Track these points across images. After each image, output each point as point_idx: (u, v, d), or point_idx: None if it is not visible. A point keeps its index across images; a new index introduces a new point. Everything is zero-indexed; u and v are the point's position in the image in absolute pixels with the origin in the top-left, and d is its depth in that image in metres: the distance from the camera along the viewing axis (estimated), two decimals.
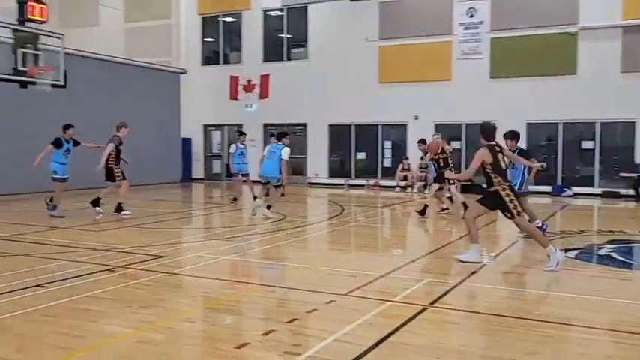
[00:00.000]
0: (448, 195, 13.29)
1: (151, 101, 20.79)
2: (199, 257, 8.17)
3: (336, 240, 10.46)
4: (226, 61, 24.30)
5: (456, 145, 20.63)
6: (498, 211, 7.70)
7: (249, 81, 23.18)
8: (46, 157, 11.85)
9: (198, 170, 24.35)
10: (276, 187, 12.20)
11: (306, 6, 22.26)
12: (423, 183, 19.64)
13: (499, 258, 8.39)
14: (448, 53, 20.02)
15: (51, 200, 12.06)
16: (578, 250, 8.74)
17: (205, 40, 24.58)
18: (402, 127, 21.06)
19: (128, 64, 20.72)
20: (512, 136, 9.62)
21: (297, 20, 22.66)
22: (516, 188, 8.28)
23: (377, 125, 21.43)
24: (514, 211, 7.32)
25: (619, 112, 18.03)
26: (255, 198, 13.18)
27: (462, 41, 19.90)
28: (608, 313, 5.61)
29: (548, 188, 18.28)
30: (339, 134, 22.20)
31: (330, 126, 22.10)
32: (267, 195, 12.65)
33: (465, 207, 11.56)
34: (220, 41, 24.34)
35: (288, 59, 22.96)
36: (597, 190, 18.34)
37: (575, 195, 18.09)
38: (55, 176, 11.90)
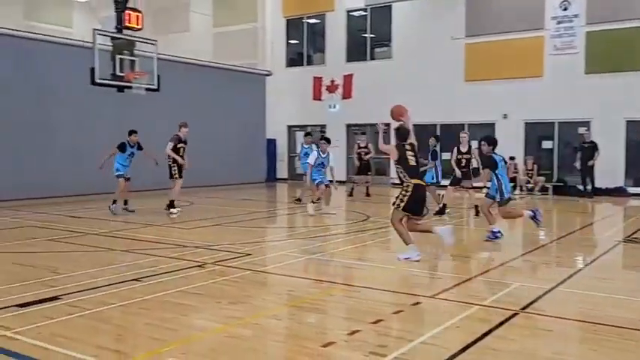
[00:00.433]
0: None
1: (237, 103, 21.36)
2: (284, 256, 8.29)
3: (422, 241, 10.26)
4: (310, 63, 24.57)
5: (547, 144, 19.82)
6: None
7: (332, 81, 23.31)
8: (111, 159, 12.71)
9: (282, 170, 24.78)
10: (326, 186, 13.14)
11: (390, 5, 22.10)
12: (512, 184, 19.00)
13: (594, 264, 7.96)
14: (539, 48, 19.23)
15: (125, 202, 12.99)
16: None
17: (290, 42, 24.97)
18: (490, 127, 20.41)
19: (216, 67, 21.39)
20: (487, 141, 9.61)
21: (380, 20, 22.55)
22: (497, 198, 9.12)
23: (463, 124, 20.89)
24: (396, 201, 7.73)
25: None
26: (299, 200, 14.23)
27: (554, 36, 19.06)
28: None
29: None
30: (420, 134, 21.77)
31: (414, 125, 21.74)
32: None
33: (477, 209, 11.89)
34: (304, 43, 24.64)
35: (372, 59, 22.89)
36: None
37: None
38: (117, 173, 12.68)
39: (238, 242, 9.15)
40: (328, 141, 13.46)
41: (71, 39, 18.50)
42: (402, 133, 8.35)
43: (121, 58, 13.73)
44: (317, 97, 23.72)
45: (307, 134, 15.94)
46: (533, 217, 9.28)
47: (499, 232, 9.32)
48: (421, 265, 7.58)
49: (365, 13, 22.97)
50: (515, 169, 19.31)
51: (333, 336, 4.79)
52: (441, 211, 12.64)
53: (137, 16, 14.24)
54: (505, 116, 19.84)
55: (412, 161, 8.06)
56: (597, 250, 9.10)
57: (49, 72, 15.77)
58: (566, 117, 18.99)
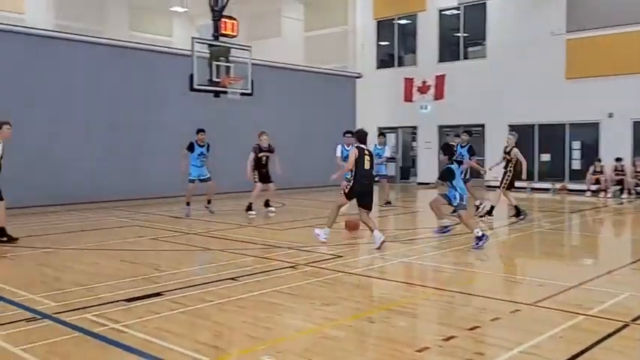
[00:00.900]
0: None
1: (328, 106, 21.53)
2: (376, 259, 8.25)
3: (518, 246, 9.90)
4: (401, 64, 24.34)
5: None
6: None
7: (424, 82, 22.96)
8: (186, 160, 12.78)
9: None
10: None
11: (485, 2, 21.46)
12: (619, 187, 17.89)
13: None
14: None
15: (208, 202, 13.18)
16: None
17: (380, 43, 24.87)
18: (594, 126, 19.33)
19: (307, 71, 21.69)
20: (443, 151, 9.62)
21: (474, 18, 21.95)
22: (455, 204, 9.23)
23: (564, 124, 19.93)
24: (344, 192, 9.41)
25: None
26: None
27: None
28: None
29: None
30: (520, 134, 20.99)
31: (510, 126, 21.01)
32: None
33: (517, 210, 11.83)
34: (395, 44, 24.45)
35: (465, 58, 22.33)
36: None
37: None
38: (189, 178, 12.85)
39: (330, 244, 9.20)
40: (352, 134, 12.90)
41: (171, 47, 19.45)
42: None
43: (217, 65, 14.23)
44: (408, 98, 23.45)
45: (346, 132, 15.75)
46: (479, 238, 8.75)
47: (448, 227, 9.93)
48: (520, 271, 7.30)
49: (458, 12, 22.46)
50: (622, 171, 18.16)
51: (427, 341, 4.70)
52: (518, 214, 12.11)
53: (232, 23, 14.71)
54: (611, 115, 18.70)
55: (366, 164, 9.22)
56: None
57: (151, 79, 16.66)
58: None
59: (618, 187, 17.80)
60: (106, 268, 7.58)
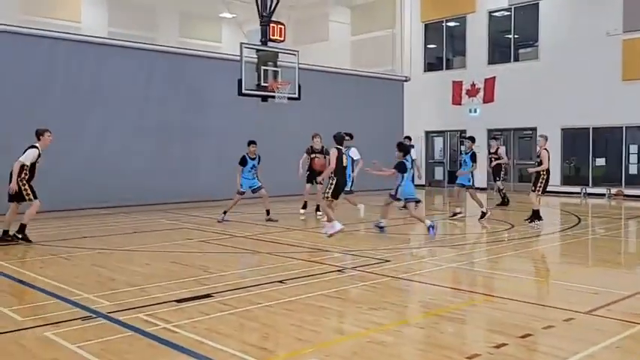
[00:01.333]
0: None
1: (375, 109, 21.46)
2: (424, 264, 8.17)
3: (572, 253, 9.61)
4: (449, 67, 24.06)
5: None
6: None
7: (473, 85, 22.62)
8: (240, 175, 12.41)
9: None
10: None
11: (537, 3, 20.98)
12: None
13: None
14: None
15: (267, 213, 12.69)
16: None
17: (428, 46, 24.65)
18: None
19: (354, 74, 21.68)
20: (398, 148, 10.78)
21: (525, 19, 21.51)
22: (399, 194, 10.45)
23: (620, 127, 19.28)
24: (326, 193, 10.49)
25: None
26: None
27: None
28: None
29: None
30: (573, 138, 20.49)
31: (563, 129, 20.48)
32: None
33: (536, 215, 11.63)
34: (443, 46, 24.19)
35: (516, 60, 21.90)
36: None
37: None
38: (239, 189, 12.42)
39: (376, 248, 9.16)
40: (351, 137, 12.62)
41: (220, 53, 19.78)
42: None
43: (265, 69, 14.39)
44: (457, 101, 23.15)
45: (406, 137, 15.61)
46: (430, 227, 10.21)
47: (384, 226, 10.87)
48: (574, 279, 7.08)
49: (508, 13, 22.05)
50: None
51: (477, 348, 4.61)
52: (534, 217, 11.75)
53: (280, 28, 14.87)
54: None
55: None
56: None
57: (200, 84, 17.00)
58: None
59: None
60: (157, 269, 7.76)
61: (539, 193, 11.74)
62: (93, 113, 15.09)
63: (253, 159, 12.53)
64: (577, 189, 19.70)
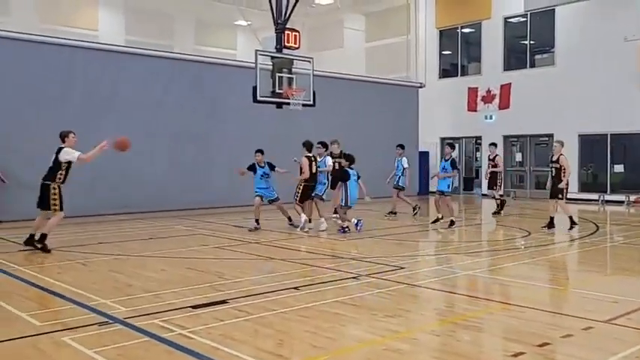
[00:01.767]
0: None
1: (390, 116, 21.43)
2: (440, 271, 8.12)
3: (590, 261, 9.49)
4: (464, 73, 23.98)
5: None
6: None
7: (488, 91, 22.51)
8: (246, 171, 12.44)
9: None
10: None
11: (554, 8, 20.85)
12: None
13: None
14: None
15: (290, 219, 12.64)
16: None
17: (443, 52, 24.59)
18: None
19: (369, 81, 21.67)
20: (345, 158, 11.94)
21: (541, 24, 21.39)
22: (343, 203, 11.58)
23: (639, 134, 19.05)
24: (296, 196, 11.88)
25: None
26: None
27: None
28: None
29: None
30: (591, 144, 20.29)
31: (581, 136, 20.29)
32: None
33: (572, 221, 11.74)
34: (458, 53, 24.11)
35: (532, 66, 21.76)
36: None
37: None
38: (255, 192, 12.37)
39: (391, 255, 9.12)
40: (325, 147, 12.89)
41: (235, 60, 19.90)
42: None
43: (280, 76, 14.44)
44: (472, 108, 23.04)
45: (399, 146, 15.65)
46: (356, 224, 11.66)
47: (347, 227, 11.66)
48: (592, 287, 6.99)
49: (524, 19, 21.94)
50: None
51: (495, 356, 4.57)
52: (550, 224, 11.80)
53: (295, 35, 14.93)
54: None
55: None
56: None
57: (216, 91, 17.10)
58: None
59: None
60: (172, 275, 7.79)
61: (565, 198, 11.93)
62: (110, 120, 15.22)
63: (262, 167, 12.41)
64: (595, 196, 19.48)
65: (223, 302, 6.10)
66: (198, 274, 7.73)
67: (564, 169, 11.85)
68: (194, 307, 5.91)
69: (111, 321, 5.41)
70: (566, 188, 11.97)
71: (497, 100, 22.24)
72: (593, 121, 19.63)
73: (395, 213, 14.98)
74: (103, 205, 14.75)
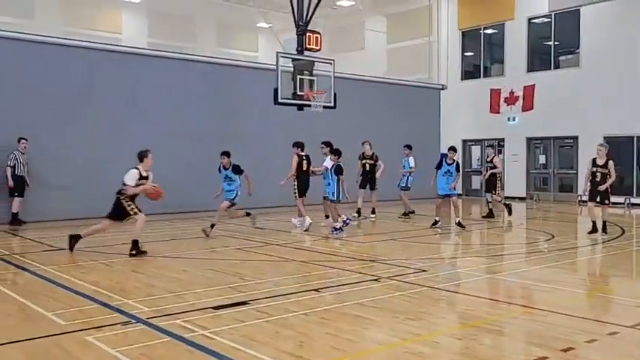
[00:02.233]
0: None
1: (412, 118, 21.34)
2: (461, 274, 8.06)
3: (615, 265, 9.32)
4: (487, 74, 23.76)
5: None
6: None
7: (511, 93, 22.27)
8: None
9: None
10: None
11: (579, 10, 20.56)
12: None
13: None
14: None
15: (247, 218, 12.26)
16: None
17: (465, 54, 24.41)
18: None
19: (390, 83, 21.60)
20: (333, 153, 11.93)
21: (566, 25, 21.08)
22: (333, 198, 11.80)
23: None
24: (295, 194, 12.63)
25: None
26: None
27: None
28: None
29: None
30: (617, 147, 19.90)
31: (606, 138, 19.94)
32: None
33: (594, 226, 11.45)
34: (481, 54, 23.91)
35: (556, 68, 21.47)
36: None
37: None
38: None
39: (413, 258, 9.07)
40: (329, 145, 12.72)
41: (257, 62, 20.00)
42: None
43: (301, 78, 14.45)
44: (495, 110, 22.82)
45: (406, 146, 15.69)
46: (345, 221, 11.82)
47: (341, 228, 11.66)
48: (617, 291, 6.88)
49: (548, 20, 21.67)
50: None
51: None
52: (603, 229, 11.48)
53: (316, 37, 14.91)
54: None
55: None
56: None
57: (237, 93, 17.19)
58: None
59: None
60: (194, 276, 7.84)
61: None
62: (132, 122, 15.41)
63: (226, 169, 11.79)
64: (621, 199, 19.14)
65: (244, 303, 6.13)
66: (219, 275, 7.77)
67: (610, 174, 11.54)
68: (215, 307, 5.95)
69: (134, 321, 5.47)
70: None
71: (520, 102, 21.99)
72: (619, 123, 19.30)
73: (411, 213, 15.00)
74: None
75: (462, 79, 24.15)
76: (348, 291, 6.79)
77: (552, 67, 21.53)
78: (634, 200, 19.00)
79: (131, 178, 9.44)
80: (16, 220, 13.27)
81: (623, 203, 18.86)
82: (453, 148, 13.70)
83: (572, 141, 20.78)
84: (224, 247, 10.39)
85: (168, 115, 16.11)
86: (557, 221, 14.89)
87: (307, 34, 14.78)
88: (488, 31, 23.60)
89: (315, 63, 14.93)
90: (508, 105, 22.40)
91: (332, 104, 14.88)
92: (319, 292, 6.71)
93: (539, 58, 22.02)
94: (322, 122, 16.93)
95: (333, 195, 11.81)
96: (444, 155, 13.71)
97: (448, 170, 13.11)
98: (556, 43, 21.55)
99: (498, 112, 22.67)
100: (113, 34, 23.25)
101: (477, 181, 24.01)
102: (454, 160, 13.22)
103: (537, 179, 22.42)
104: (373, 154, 14.78)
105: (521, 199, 21.68)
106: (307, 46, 14.78)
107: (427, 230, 12.89)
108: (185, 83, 16.51)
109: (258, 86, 16.30)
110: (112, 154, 14.79)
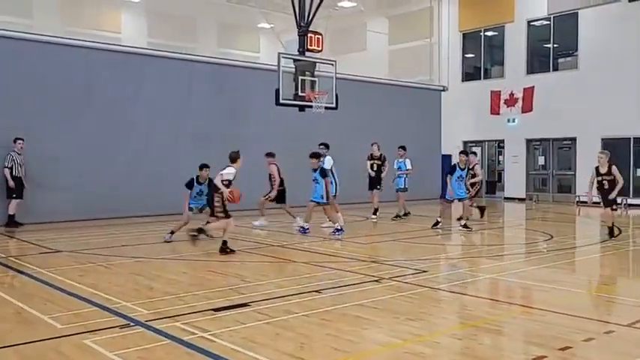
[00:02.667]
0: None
1: (412, 119, 21.34)
2: (462, 274, 8.06)
3: (612, 265, 9.35)
4: (487, 76, 23.79)
5: None
6: None
7: (511, 95, 22.31)
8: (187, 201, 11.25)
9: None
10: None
11: (577, 12, 20.58)
12: None
13: None
14: None
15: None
16: None
17: (466, 56, 24.43)
18: None
19: (392, 84, 21.61)
20: (314, 156, 12.01)
21: (565, 28, 21.13)
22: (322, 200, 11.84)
23: None
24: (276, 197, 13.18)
25: None
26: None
27: None
28: None
29: None
30: (614, 148, 19.92)
31: (604, 139, 19.98)
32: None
33: (611, 230, 11.29)
34: (481, 56, 23.94)
35: (555, 70, 21.51)
36: None
37: None
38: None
39: (413, 258, 9.08)
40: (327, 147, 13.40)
41: (258, 63, 20.01)
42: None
43: (302, 79, 14.45)
44: (495, 111, 22.86)
45: (400, 147, 15.66)
46: (338, 230, 11.73)
47: (342, 228, 11.74)
48: (614, 290, 6.89)
49: (547, 22, 21.70)
50: None
51: None
52: (611, 233, 11.38)
53: (318, 38, 14.91)
54: None
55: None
56: None
57: (239, 94, 17.20)
58: None
59: None
60: (194, 277, 7.85)
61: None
62: (133, 123, 15.40)
63: (201, 184, 11.15)
64: (618, 199, 19.14)
65: (245, 305, 6.14)
66: (219, 277, 7.78)
67: (617, 180, 11.45)
68: (215, 309, 5.95)
69: (132, 323, 5.47)
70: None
71: (520, 104, 22.03)
72: (617, 125, 19.33)
73: (406, 215, 15.03)
74: (128, 207, 14.88)
75: (462, 81, 24.19)
76: (348, 292, 6.80)
77: (551, 69, 21.58)
78: (630, 201, 19.02)
79: (230, 174, 9.78)
80: (12, 222, 13.15)
81: (621, 204, 18.86)
82: (464, 152, 13.61)
83: (570, 142, 20.82)
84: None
85: (169, 116, 16.11)
86: (555, 222, 14.90)
87: (309, 34, 14.79)
88: (489, 34, 23.64)
89: (317, 64, 14.93)
90: (508, 106, 22.45)
91: (333, 105, 14.89)
92: (320, 293, 6.72)
93: (539, 61, 22.07)
94: (324, 123, 16.93)
95: (322, 198, 11.82)
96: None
97: (461, 175, 12.95)
98: (555, 45, 21.60)
99: (498, 114, 22.72)
100: (113, 33, 23.27)
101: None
102: (466, 165, 13.14)
103: (536, 180, 22.45)
104: (381, 155, 15.01)
105: (521, 199, 21.71)
106: (309, 47, 14.78)
107: (428, 231, 12.90)
108: (186, 84, 16.50)
109: (259, 87, 16.30)
110: (111, 155, 14.80)
